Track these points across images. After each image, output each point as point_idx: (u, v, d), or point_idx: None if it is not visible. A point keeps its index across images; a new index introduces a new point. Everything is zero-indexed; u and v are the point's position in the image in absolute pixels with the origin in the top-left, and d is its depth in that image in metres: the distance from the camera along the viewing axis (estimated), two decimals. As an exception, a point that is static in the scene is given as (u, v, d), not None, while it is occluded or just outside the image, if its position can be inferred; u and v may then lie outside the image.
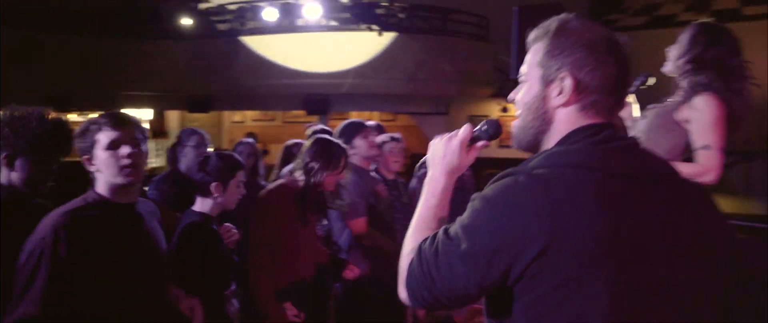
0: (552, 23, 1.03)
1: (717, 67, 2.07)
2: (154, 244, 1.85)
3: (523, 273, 0.89)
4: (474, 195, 0.98)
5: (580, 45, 0.98)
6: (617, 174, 0.93)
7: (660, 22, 8.72)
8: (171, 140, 7.69)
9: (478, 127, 1.17)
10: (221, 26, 8.82)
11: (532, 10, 5.22)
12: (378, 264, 2.98)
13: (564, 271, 0.88)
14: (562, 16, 1.03)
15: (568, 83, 0.98)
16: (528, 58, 1.06)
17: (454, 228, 0.96)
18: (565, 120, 1.00)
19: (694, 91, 2.08)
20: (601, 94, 0.98)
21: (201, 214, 2.24)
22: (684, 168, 2.04)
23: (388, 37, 7.81)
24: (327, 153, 2.55)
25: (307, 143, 2.67)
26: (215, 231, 2.26)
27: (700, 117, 2.04)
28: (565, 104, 1.00)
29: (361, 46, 7.78)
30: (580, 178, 0.91)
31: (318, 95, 7.90)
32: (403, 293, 1.01)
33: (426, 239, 1.00)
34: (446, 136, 1.16)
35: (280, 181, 2.69)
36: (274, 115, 12.06)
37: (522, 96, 1.06)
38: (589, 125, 0.99)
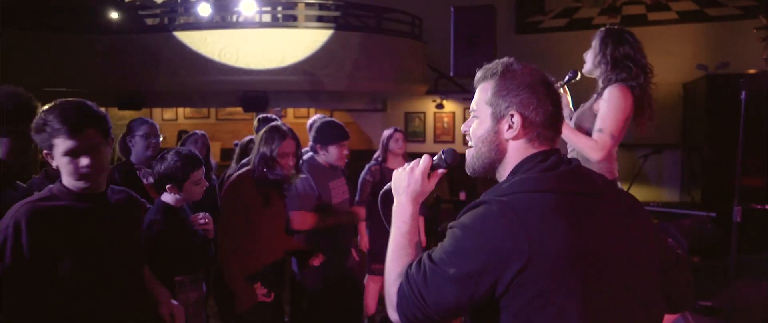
0: (498, 66, 1.21)
1: (626, 65, 2.35)
2: (125, 234, 1.83)
3: (509, 287, 1.03)
4: (451, 224, 1.13)
5: (524, 86, 1.17)
6: (570, 193, 1.10)
7: (577, 24, 9.33)
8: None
9: (437, 156, 1.31)
10: (150, 21, 8.52)
11: (467, 11, 5.56)
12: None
13: (542, 281, 1.02)
14: (505, 60, 1.22)
15: (517, 120, 1.16)
16: (477, 95, 1.24)
17: (438, 254, 1.09)
18: (517, 150, 1.19)
19: (606, 84, 2.35)
20: (544, 127, 1.18)
21: (164, 209, 2.27)
22: (580, 139, 2.30)
23: (325, 34, 7.87)
24: (273, 134, 2.62)
25: (258, 136, 2.75)
26: (165, 231, 2.27)
27: (605, 105, 2.28)
28: (515, 137, 1.18)
29: (299, 43, 7.77)
30: (542, 201, 1.07)
31: (255, 92, 7.81)
32: (394, 315, 1.13)
33: (411, 265, 1.13)
34: (408, 166, 1.30)
35: (245, 169, 2.73)
36: (208, 112, 11.76)
37: (474, 129, 1.23)
38: (538, 152, 1.18)
